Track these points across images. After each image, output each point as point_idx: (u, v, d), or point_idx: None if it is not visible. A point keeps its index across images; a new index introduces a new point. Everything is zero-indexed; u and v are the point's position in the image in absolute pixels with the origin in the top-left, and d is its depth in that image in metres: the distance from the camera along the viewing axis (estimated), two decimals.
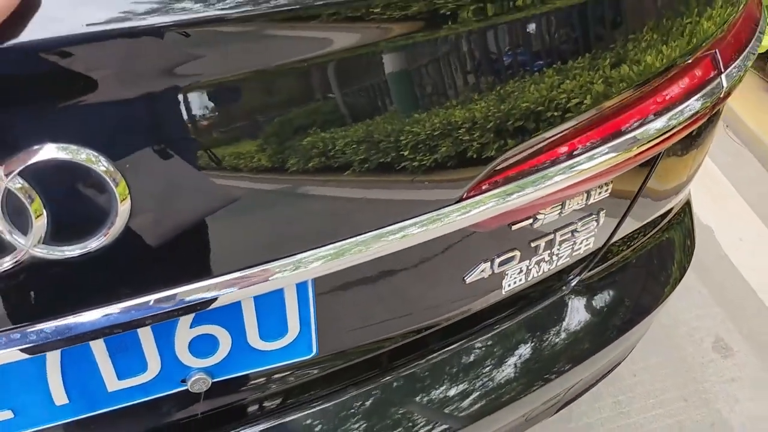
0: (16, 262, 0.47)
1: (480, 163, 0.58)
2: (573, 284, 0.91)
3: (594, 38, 0.60)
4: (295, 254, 0.55)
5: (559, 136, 0.62)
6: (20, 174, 0.44)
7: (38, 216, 0.45)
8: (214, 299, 0.54)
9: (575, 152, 0.64)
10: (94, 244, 0.48)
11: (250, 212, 0.53)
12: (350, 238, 0.57)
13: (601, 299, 0.94)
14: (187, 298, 0.52)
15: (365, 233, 0.57)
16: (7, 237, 0.46)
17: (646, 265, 0.99)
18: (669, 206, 0.95)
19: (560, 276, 0.89)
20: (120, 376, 0.62)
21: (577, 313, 0.93)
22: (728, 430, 1.53)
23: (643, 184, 0.83)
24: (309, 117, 0.51)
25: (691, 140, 0.85)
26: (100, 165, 0.45)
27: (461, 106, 0.56)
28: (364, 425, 0.78)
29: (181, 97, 0.46)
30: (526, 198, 0.62)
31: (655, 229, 0.97)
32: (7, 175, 0.43)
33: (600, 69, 0.61)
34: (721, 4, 0.69)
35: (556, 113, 0.60)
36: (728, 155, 2.16)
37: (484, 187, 0.60)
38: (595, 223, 0.82)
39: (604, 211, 0.82)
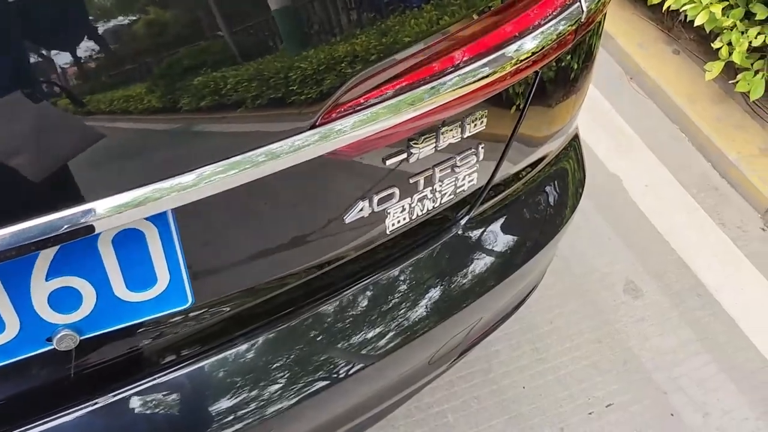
0: None
1: (326, 91, 0.57)
2: (463, 222, 0.92)
3: None
4: (144, 185, 0.53)
5: (407, 62, 0.62)
6: None
7: None
8: (56, 235, 0.51)
9: (423, 79, 0.64)
10: None
11: (92, 143, 0.51)
12: (203, 167, 0.55)
13: (494, 235, 0.96)
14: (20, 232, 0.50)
15: (219, 161, 0.56)
16: None
17: (537, 199, 1.01)
18: (552, 142, 0.96)
19: (449, 214, 0.90)
20: None
21: (471, 251, 0.94)
22: (639, 366, 1.59)
23: (519, 118, 0.84)
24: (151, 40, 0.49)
25: (563, 72, 0.86)
26: None
27: (301, 37, 0.55)
28: (253, 379, 0.77)
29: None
30: (378, 125, 0.61)
31: (543, 164, 0.99)
32: None
33: None
34: None
35: (401, 37, 0.60)
36: (632, 106, 2.22)
37: (334, 115, 0.59)
38: (474, 158, 0.82)
39: (482, 146, 0.82)
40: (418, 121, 0.65)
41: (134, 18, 0.49)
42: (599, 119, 2.16)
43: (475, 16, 0.64)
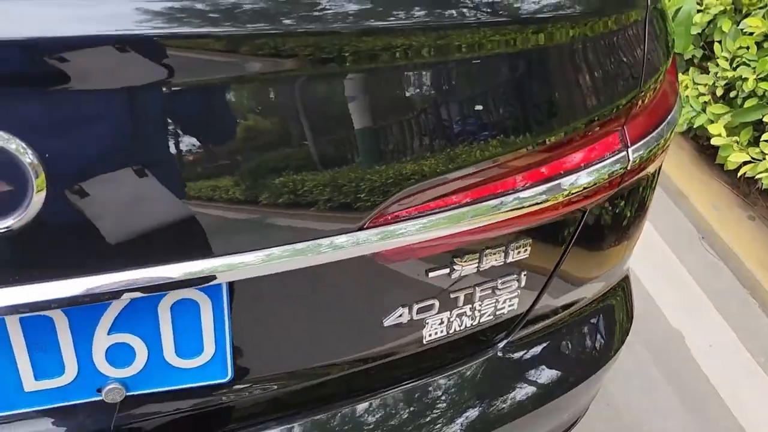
0: None
1: (377, 198, 0.65)
2: (501, 345, 0.95)
3: (492, 95, 0.68)
4: (199, 258, 0.61)
5: (455, 184, 0.69)
6: None
7: None
8: (116, 293, 0.59)
9: (467, 201, 0.70)
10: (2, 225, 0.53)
11: (155, 213, 0.59)
12: (257, 250, 0.63)
13: (532, 362, 0.97)
14: (93, 288, 0.57)
15: (282, 245, 0.63)
16: None
17: (579, 334, 1.02)
18: (594, 284, 0.99)
19: (487, 334, 0.93)
20: (37, 377, 0.66)
21: (507, 374, 0.96)
22: None
23: (562, 254, 0.89)
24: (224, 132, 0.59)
25: (610, 217, 0.90)
26: (27, 157, 0.52)
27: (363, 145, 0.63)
28: None
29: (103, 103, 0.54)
30: (418, 236, 0.68)
31: (586, 301, 1.01)
32: None
33: (497, 125, 0.69)
34: (622, 84, 0.78)
35: (452, 163, 0.67)
36: (703, 266, 2.20)
37: (381, 220, 0.66)
38: (516, 284, 0.87)
39: (525, 274, 0.87)
40: (460, 237, 0.71)
41: (237, 122, 0.59)
42: (667, 274, 2.14)
43: (528, 149, 0.71)
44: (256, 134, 0.60)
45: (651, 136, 0.84)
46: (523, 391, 0.96)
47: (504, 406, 0.95)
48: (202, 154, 0.58)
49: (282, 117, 0.60)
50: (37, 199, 0.53)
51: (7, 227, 0.53)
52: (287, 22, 0.57)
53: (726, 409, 1.75)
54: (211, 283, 0.62)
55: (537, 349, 0.98)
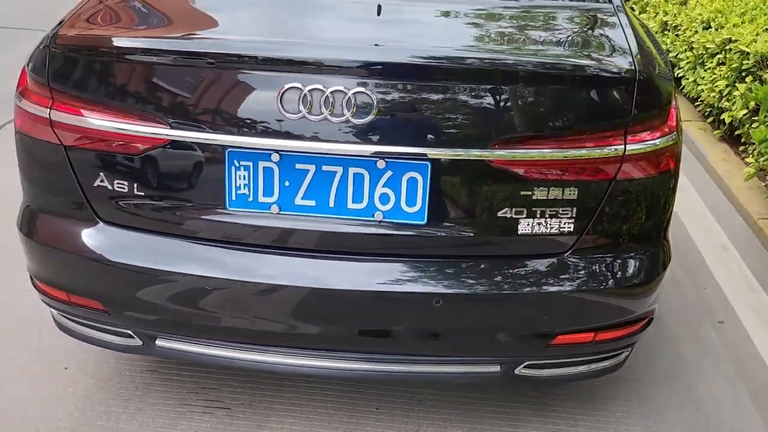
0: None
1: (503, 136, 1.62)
2: (567, 253, 1.76)
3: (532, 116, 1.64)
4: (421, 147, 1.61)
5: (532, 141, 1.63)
6: None
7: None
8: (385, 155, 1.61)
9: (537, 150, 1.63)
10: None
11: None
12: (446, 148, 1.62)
13: (585, 269, 1.77)
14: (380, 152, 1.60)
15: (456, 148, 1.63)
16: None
17: (624, 262, 1.80)
18: (632, 233, 1.78)
19: (558, 242, 1.75)
20: (353, 201, 1.69)
21: (568, 271, 1.76)
22: None
23: (599, 205, 1.72)
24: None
25: (629, 192, 1.72)
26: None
27: None
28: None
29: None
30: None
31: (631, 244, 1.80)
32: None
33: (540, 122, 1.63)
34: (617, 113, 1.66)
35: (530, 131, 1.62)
36: None
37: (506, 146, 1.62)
38: (569, 214, 1.71)
39: (576, 209, 1.71)
40: (534, 167, 1.63)
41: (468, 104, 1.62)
42: None
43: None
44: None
45: (644, 143, 1.69)
46: (578, 282, 1.76)
47: (566, 288, 1.76)
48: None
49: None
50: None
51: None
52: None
53: None
54: (423, 160, 1.62)
55: (591, 262, 1.78)
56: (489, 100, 1.63)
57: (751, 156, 3.58)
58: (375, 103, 1.58)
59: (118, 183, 1.72)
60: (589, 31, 2.00)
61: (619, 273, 1.81)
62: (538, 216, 1.71)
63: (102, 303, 1.83)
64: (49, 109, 1.70)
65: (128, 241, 1.78)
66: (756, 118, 3.52)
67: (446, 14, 2.03)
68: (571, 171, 1.67)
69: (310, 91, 1.58)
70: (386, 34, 1.88)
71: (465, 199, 1.69)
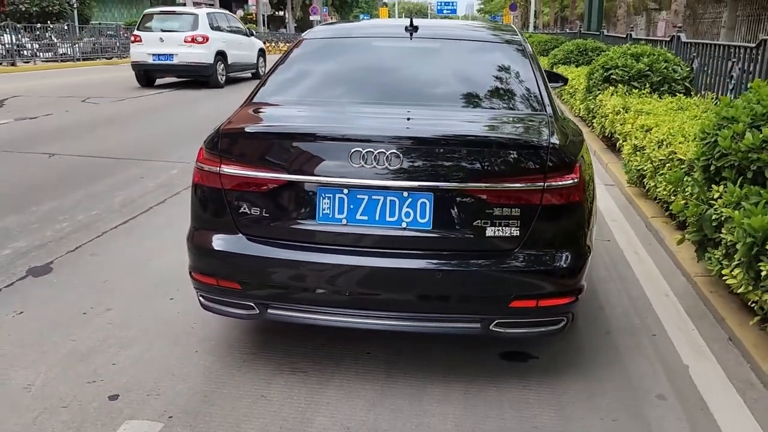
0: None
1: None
2: (516, 249, 2.95)
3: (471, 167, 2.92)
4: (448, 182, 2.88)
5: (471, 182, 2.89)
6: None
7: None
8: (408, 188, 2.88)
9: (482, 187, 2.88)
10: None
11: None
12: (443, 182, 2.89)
13: (529, 257, 2.95)
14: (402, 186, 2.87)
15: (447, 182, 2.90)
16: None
17: (554, 256, 2.98)
18: (560, 237, 2.98)
19: (510, 242, 2.94)
20: (389, 216, 2.93)
21: (517, 259, 2.95)
22: None
23: (531, 222, 2.94)
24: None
25: (554, 215, 2.95)
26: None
27: None
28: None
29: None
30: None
31: (558, 245, 2.99)
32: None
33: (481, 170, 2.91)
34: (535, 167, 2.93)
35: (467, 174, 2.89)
36: None
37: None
38: (516, 225, 2.93)
39: (518, 223, 2.93)
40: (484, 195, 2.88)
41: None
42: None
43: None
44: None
45: (558, 184, 2.93)
46: (524, 265, 2.94)
47: (518, 269, 2.93)
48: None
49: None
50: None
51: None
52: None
53: None
54: (430, 191, 2.88)
55: (533, 253, 2.96)
56: (468, 157, 2.90)
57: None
58: (402, 158, 2.87)
59: (254, 209, 3.01)
60: (532, 125, 3.30)
61: (551, 262, 2.98)
62: (498, 225, 2.92)
63: (239, 283, 3.05)
64: (219, 167, 3.03)
65: (256, 244, 3.04)
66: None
67: (441, 115, 3.38)
68: (516, 198, 2.90)
69: (366, 152, 2.88)
70: (409, 124, 3.21)
71: (454, 214, 2.92)
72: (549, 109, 3.44)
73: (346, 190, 2.92)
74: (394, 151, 2.87)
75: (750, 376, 3.35)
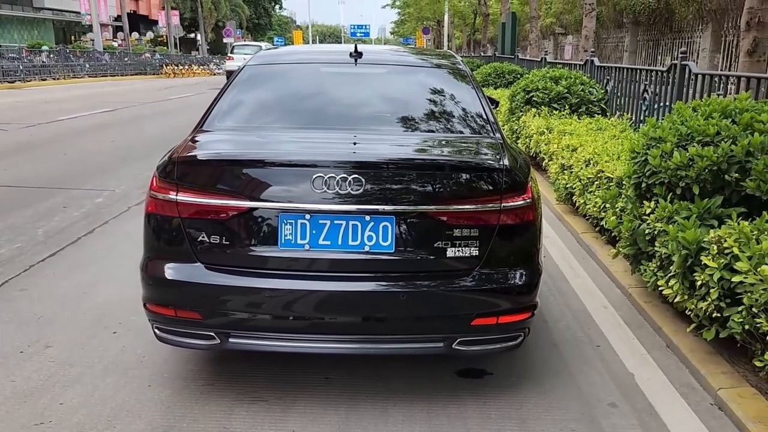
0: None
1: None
2: (477, 268, 3.03)
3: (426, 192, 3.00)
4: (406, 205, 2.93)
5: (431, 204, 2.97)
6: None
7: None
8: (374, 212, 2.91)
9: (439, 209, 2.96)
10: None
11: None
12: (401, 205, 2.95)
13: (488, 277, 3.04)
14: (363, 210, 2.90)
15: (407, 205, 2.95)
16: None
17: (512, 274, 3.08)
18: (517, 256, 3.09)
19: (472, 262, 3.02)
20: (352, 240, 2.96)
21: (479, 280, 3.03)
22: None
23: (490, 240, 3.03)
24: None
25: (511, 233, 3.05)
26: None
27: None
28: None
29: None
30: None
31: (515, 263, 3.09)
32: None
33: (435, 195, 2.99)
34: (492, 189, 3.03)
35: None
36: None
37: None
38: (476, 245, 3.02)
39: (477, 244, 3.02)
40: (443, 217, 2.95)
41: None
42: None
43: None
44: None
45: (513, 204, 3.04)
46: (484, 284, 3.02)
47: (478, 288, 3.01)
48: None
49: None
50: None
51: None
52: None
53: None
54: (391, 215, 2.93)
55: (492, 273, 3.05)
56: (427, 180, 2.97)
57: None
58: (363, 183, 2.91)
59: (213, 237, 2.96)
60: (484, 149, 3.41)
61: (509, 280, 3.08)
62: (458, 245, 3.00)
63: (199, 313, 2.99)
64: (176, 195, 2.97)
65: (216, 272, 2.99)
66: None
67: (398, 140, 3.44)
68: (474, 219, 2.99)
69: (328, 177, 2.90)
70: (363, 150, 3.24)
71: (415, 236, 2.98)
72: (498, 134, 3.56)
73: (308, 216, 2.92)
74: (356, 176, 2.90)
75: (690, 380, 3.55)
